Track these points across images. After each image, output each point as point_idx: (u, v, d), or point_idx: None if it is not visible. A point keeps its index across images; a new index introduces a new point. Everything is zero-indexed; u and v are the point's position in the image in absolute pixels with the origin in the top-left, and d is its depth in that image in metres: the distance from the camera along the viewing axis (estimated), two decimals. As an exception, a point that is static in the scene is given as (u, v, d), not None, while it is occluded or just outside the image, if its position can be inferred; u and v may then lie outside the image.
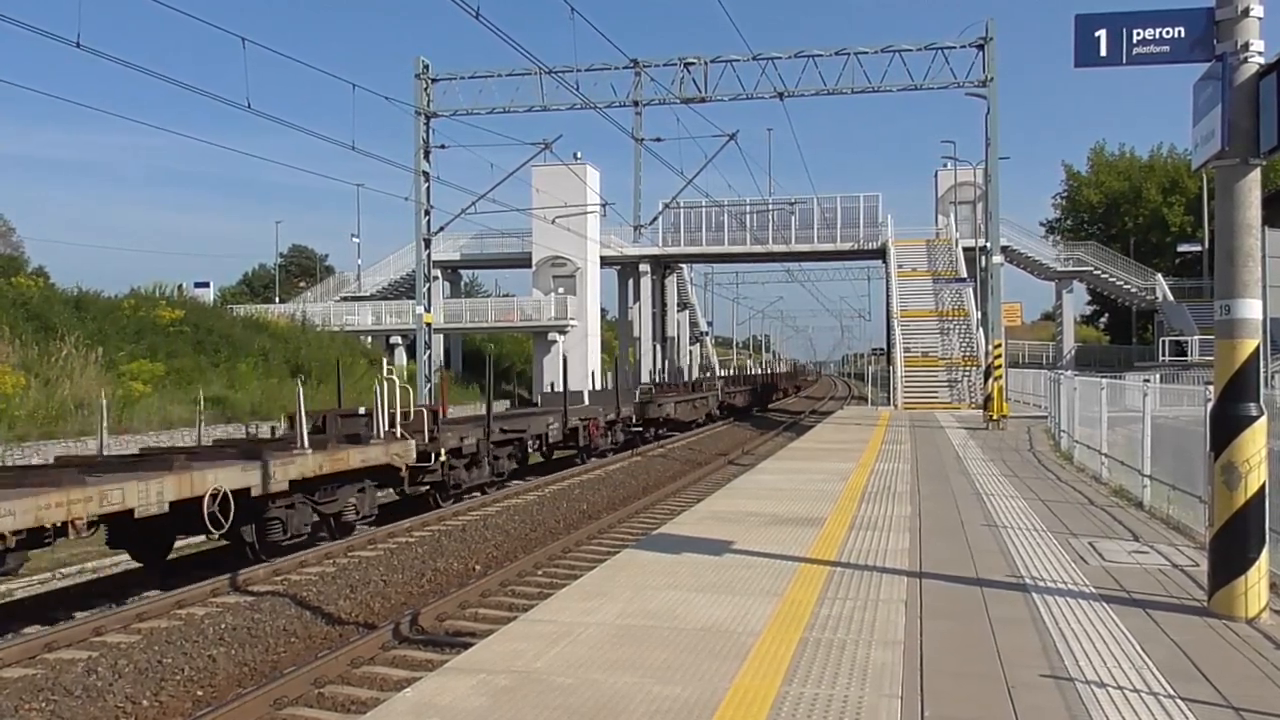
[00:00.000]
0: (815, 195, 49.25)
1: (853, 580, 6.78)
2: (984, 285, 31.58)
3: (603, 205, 43.50)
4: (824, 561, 7.38)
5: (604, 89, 33.03)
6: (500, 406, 35.20)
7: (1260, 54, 5.59)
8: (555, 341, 44.99)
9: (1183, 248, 53.33)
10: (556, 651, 5.18)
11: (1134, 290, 52.33)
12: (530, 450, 20.24)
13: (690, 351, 65.19)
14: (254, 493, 11.18)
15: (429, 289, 33.23)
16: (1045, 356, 55.85)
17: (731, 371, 60.36)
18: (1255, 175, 5.72)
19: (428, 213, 32.36)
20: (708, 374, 51.12)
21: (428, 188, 32.16)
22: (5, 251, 56.19)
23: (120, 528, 10.60)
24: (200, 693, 7.67)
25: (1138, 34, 5.89)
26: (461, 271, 56.95)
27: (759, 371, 68.35)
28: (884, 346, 46.15)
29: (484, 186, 38.77)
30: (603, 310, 55.14)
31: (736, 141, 36.90)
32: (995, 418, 22.83)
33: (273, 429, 19.39)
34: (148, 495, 9.75)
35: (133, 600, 10.35)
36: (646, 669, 4.88)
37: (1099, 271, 52.53)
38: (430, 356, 32.68)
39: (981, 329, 33.60)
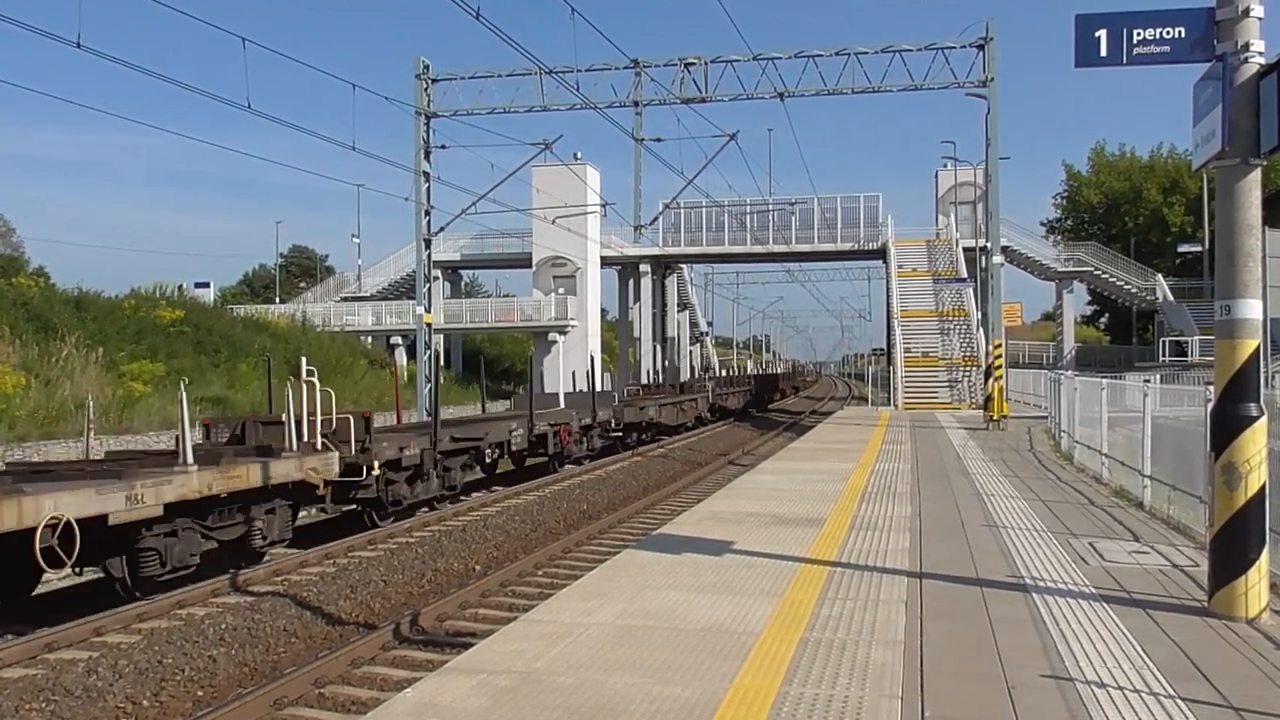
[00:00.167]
0: (815, 195, 49.31)
1: (853, 580, 6.78)
2: (984, 285, 31.59)
3: (603, 205, 43.52)
4: (824, 562, 7.38)
5: (604, 89, 33.08)
6: (500, 407, 35.06)
7: (1260, 54, 5.59)
8: (555, 342, 45.00)
9: (1183, 248, 53.33)
10: (557, 652, 5.18)
11: (1134, 290, 52.34)
12: (489, 459, 18.53)
13: (690, 352, 65.16)
14: (114, 520, 9.33)
15: (429, 289, 33.24)
16: (1045, 357, 55.86)
17: (729, 371, 58.62)
18: (1255, 175, 5.72)
19: (428, 213, 32.37)
20: (708, 374, 50.23)
21: (428, 188, 32.17)
22: (5, 252, 56.22)
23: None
24: (200, 693, 7.67)
25: (1138, 34, 5.90)
26: (462, 272, 56.98)
27: (756, 371, 67.66)
28: (884, 347, 46.19)
29: (484, 187, 38.81)
30: (603, 310, 55.16)
31: (737, 142, 36.96)
32: (995, 418, 22.82)
33: (177, 438, 16.86)
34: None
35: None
36: (647, 669, 4.88)
37: (1099, 272, 52.53)
38: (430, 357, 32.67)
39: (982, 329, 33.60)
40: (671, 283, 56.20)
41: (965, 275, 40.49)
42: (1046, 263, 52.15)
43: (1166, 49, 5.88)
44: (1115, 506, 10.27)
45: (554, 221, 37.80)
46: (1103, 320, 71.02)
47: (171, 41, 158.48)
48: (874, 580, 6.78)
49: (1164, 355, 43.57)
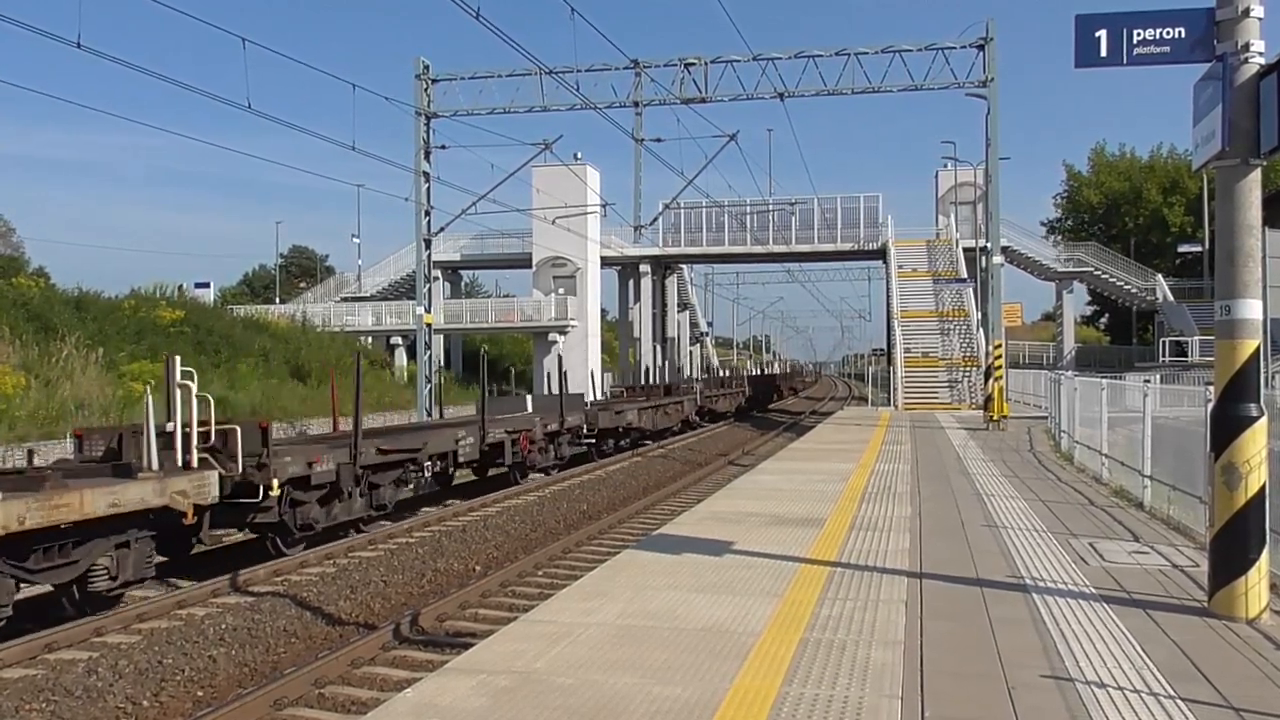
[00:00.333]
0: (815, 195, 49.30)
1: (853, 581, 6.78)
2: (984, 286, 31.60)
3: (603, 206, 43.54)
4: (824, 562, 7.38)
5: (604, 89, 33.10)
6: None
7: (1260, 54, 5.59)
8: (555, 342, 45.00)
9: (1183, 248, 53.32)
10: (557, 652, 5.18)
11: (1134, 291, 52.34)
12: (430, 473, 16.11)
13: (690, 352, 65.15)
14: None
15: (429, 289, 33.25)
16: (1045, 357, 55.86)
17: (729, 371, 57.63)
18: (1255, 176, 5.72)
19: (428, 213, 32.38)
20: (707, 374, 49.92)
21: (428, 188, 32.18)
22: (5, 252, 56.23)
23: None
24: (200, 693, 7.67)
25: (1138, 34, 5.90)
26: (462, 272, 56.97)
27: (751, 372, 66.91)
28: (884, 347, 46.20)
29: (484, 187, 38.89)
30: (603, 311, 55.15)
31: (737, 142, 37.04)
32: (995, 418, 22.82)
33: (31, 451, 14.13)
34: None
35: (133, 601, 10.35)
36: (647, 669, 4.88)
37: (1099, 272, 52.53)
38: (430, 357, 32.69)
39: (982, 329, 33.61)
40: (671, 283, 56.20)
41: (965, 275, 40.50)
42: (1046, 263, 52.15)
43: (1166, 49, 5.89)
44: (1115, 507, 10.27)
45: (554, 222, 37.80)
46: (1103, 320, 71.02)
47: (171, 41, 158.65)
48: (874, 580, 6.78)
49: (1164, 355, 43.56)
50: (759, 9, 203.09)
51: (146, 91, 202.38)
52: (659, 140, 38.54)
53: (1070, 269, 52.52)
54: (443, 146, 32.92)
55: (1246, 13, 5.61)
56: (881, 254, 46.98)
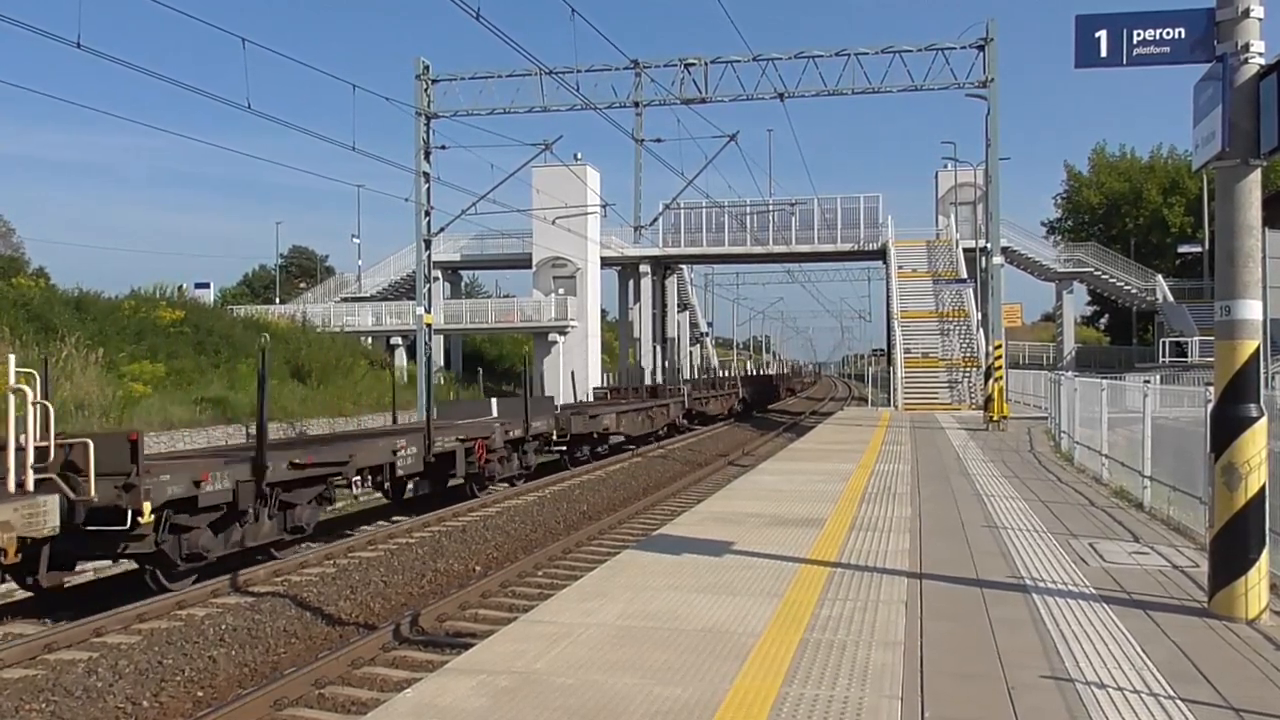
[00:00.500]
0: (816, 196, 49.29)
1: (853, 581, 6.78)
2: (984, 286, 31.59)
3: (603, 206, 43.51)
4: (824, 563, 7.38)
5: (604, 90, 33.10)
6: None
7: (1260, 55, 5.59)
8: (556, 342, 45.02)
9: (1183, 249, 53.34)
10: (557, 652, 5.18)
11: (1134, 291, 52.35)
12: (360, 489, 14.26)
13: (691, 352, 65.13)
14: None
15: (429, 290, 33.24)
16: (1045, 357, 55.88)
17: (729, 372, 57.10)
18: (1255, 176, 5.72)
19: (428, 213, 32.37)
20: (705, 374, 49.55)
21: (428, 188, 32.17)
22: (5, 252, 56.23)
23: None
24: (201, 693, 7.68)
25: (1138, 35, 5.90)
26: (462, 272, 56.96)
27: (746, 372, 66.16)
28: (884, 347, 46.18)
29: (484, 187, 38.90)
30: (603, 311, 55.15)
31: (737, 142, 36.97)
32: (995, 419, 22.83)
33: None
34: None
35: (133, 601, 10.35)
36: (647, 670, 4.88)
37: (1099, 272, 52.55)
38: (430, 358, 32.68)
39: (982, 330, 33.62)
40: (671, 283, 56.19)
41: (965, 276, 40.49)
42: (1046, 263, 52.16)
43: (1166, 50, 5.89)
44: (1115, 507, 10.27)
45: (554, 222, 37.79)
46: (1103, 321, 71.06)
47: (171, 41, 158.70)
48: (874, 581, 6.78)
49: (1164, 356, 43.58)
50: (759, 9, 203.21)
51: (147, 92, 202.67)
52: (659, 140, 38.52)
53: (1070, 269, 52.54)
54: (443, 147, 32.91)
55: (1246, 13, 5.61)
56: (881, 254, 46.98)
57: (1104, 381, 13.25)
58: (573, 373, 36.60)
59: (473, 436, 16.98)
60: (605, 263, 49.73)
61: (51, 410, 9.62)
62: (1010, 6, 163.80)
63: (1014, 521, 9.36)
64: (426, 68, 32.94)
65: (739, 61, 31.94)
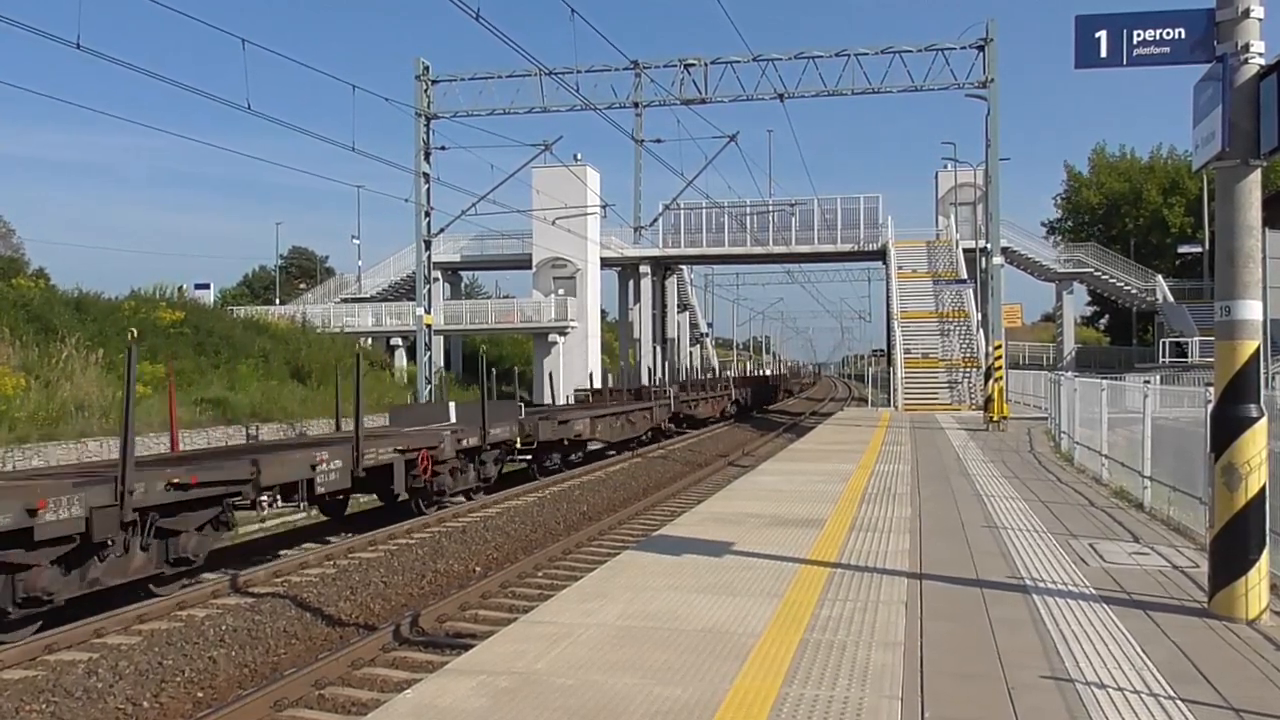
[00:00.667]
0: (815, 196, 49.33)
1: (853, 582, 6.77)
2: (984, 286, 31.60)
3: (603, 206, 43.54)
4: (824, 563, 7.38)
5: (604, 90, 33.15)
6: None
7: (1261, 55, 5.59)
8: (556, 343, 45.04)
9: (1183, 249, 53.33)
10: (557, 653, 5.18)
11: (1134, 291, 52.36)
12: (265, 508, 12.01)
13: (691, 353, 65.16)
14: None
15: (429, 290, 33.25)
16: (1045, 358, 55.87)
17: (727, 372, 56.54)
18: (1255, 176, 5.72)
19: (428, 214, 32.39)
20: (710, 375, 49.30)
21: (428, 189, 32.19)
22: (5, 253, 56.24)
23: None
24: (201, 694, 7.68)
25: (1138, 35, 5.90)
26: (462, 273, 56.99)
27: (746, 372, 65.50)
28: (884, 348, 46.15)
29: (484, 188, 38.88)
30: (603, 312, 55.16)
31: (737, 143, 37.04)
32: (995, 419, 22.82)
33: None
34: None
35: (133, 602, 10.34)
36: (647, 670, 4.88)
37: (1099, 273, 52.56)
38: (430, 358, 32.68)
39: (982, 330, 33.61)
40: (671, 284, 56.22)
41: (965, 276, 40.50)
42: (1046, 264, 52.18)
43: (1166, 50, 5.89)
44: (1115, 508, 10.27)
45: (554, 223, 37.80)
46: (1103, 321, 71.06)
47: (171, 42, 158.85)
48: (874, 581, 6.78)
49: (1164, 356, 43.56)
50: (759, 9, 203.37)
51: (147, 92, 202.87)
52: (659, 141, 38.56)
53: (1070, 270, 52.56)
54: (442, 147, 32.95)
55: (1246, 14, 5.61)
56: (881, 255, 47.00)
57: (1104, 382, 13.25)
58: (550, 374, 35.92)
59: (415, 446, 14.96)
60: (605, 263, 49.75)
61: None
62: (1010, 6, 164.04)
63: (1014, 522, 9.36)
64: (426, 68, 32.96)
65: (739, 62, 31.98)
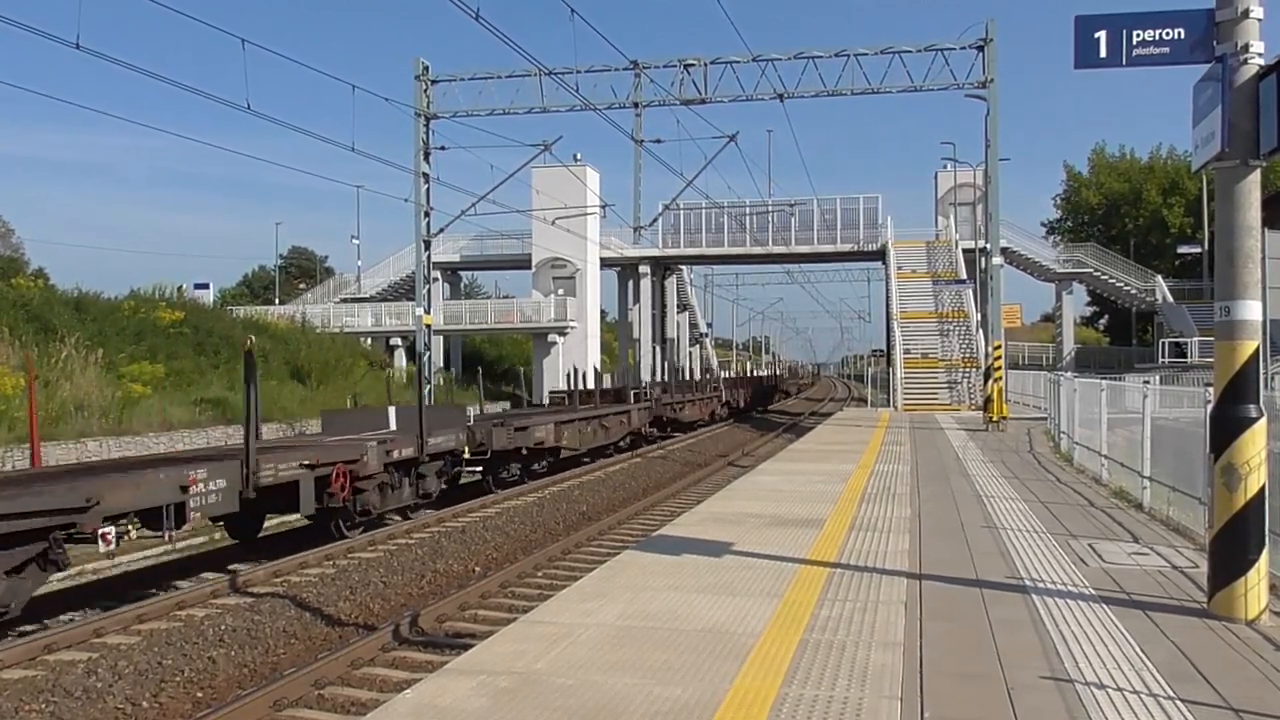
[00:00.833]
0: (815, 196, 49.37)
1: (853, 582, 6.78)
2: (984, 287, 31.62)
3: (603, 207, 43.55)
4: (824, 563, 7.38)
5: (604, 90, 33.17)
6: (499, 409, 34.78)
7: (1260, 55, 5.59)
8: (555, 343, 45.05)
9: (1183, 249, 53.36)
10: (557, 653, 5.18)
11: (1134, 292, 52.37)
12: (112, 544, 9.26)
13: (690, 353, 65.17)
14: None
15: (429, 290, 33.26)
16: (1045, 358, 55.86)
17: (726, 372, 55.69)
18: (1255, 177, 5.72)
19: (427, 214, 32.39)
20: (707, 374, 49.30)
21: (427, 189, 32.20)
22: (5, 253, 56.22)
23: None
24: (200, 694, 7.68)
25: (1137, 35, 5.90)
26: (461, 273, 56.99)
27: (745, 372, 65.06)
28: (884, 348, 46.17)
29: (484, 188, 38.86)
30: (603, 312, 55.17)
31: (736, 143, 37.06)
32: (995, 419, 22.82)
33: None
34: None
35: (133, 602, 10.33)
36: (647, 670, 4.88)
37: (1099, 273, 52.58)
38: (429, 358, 32.68)
39: (981, 330, 33.62)
40: (671, 284, 56.23)
41: (965, 276, 40.51)
42: (1046, 264, 52.19)
43: (1166, 50, 5.89)
44: (1115, 508, 10.27)
45: (553, 223, 37.81)
46: (1102, 321, 71.07)
47: (171, 42, 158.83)
48: (874, 581, 6.78)
49: (1163, 356, 43.56)
50: (759, 9, 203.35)
51: (147, 92, 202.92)
52: (659, 141, 38.59)
53: (1070, 270, 52.57)
54: (442, 148, 32.98)
55: (1246, 14, 5.61)
56: (881, 255, 47.00)
57: (1103, 382, 13.25)
58: (525, 373, 35.26)
59: (328, 461, 12.65)
60: (605, 263, 49.76)
61: None
62: (1010, 6, 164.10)
63: (1013, 522, 9.36)
64: (426, 68, 32.96)
65: (739, 62, 31.98)
